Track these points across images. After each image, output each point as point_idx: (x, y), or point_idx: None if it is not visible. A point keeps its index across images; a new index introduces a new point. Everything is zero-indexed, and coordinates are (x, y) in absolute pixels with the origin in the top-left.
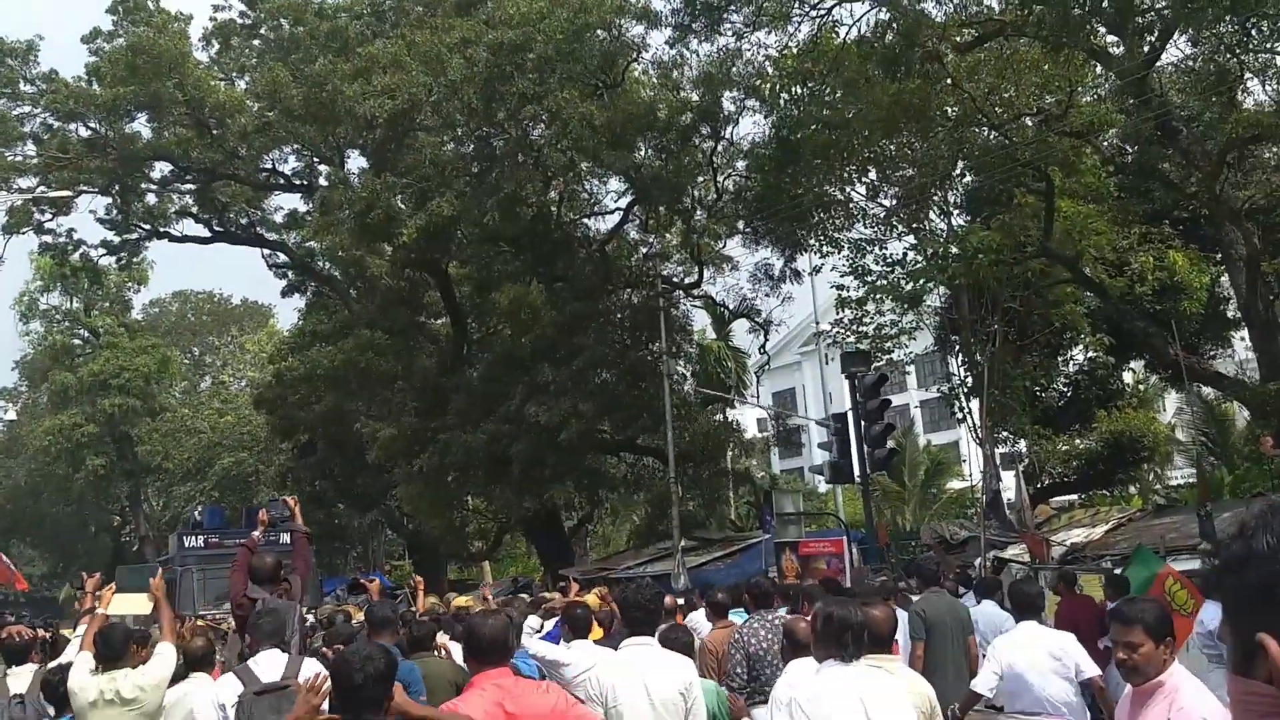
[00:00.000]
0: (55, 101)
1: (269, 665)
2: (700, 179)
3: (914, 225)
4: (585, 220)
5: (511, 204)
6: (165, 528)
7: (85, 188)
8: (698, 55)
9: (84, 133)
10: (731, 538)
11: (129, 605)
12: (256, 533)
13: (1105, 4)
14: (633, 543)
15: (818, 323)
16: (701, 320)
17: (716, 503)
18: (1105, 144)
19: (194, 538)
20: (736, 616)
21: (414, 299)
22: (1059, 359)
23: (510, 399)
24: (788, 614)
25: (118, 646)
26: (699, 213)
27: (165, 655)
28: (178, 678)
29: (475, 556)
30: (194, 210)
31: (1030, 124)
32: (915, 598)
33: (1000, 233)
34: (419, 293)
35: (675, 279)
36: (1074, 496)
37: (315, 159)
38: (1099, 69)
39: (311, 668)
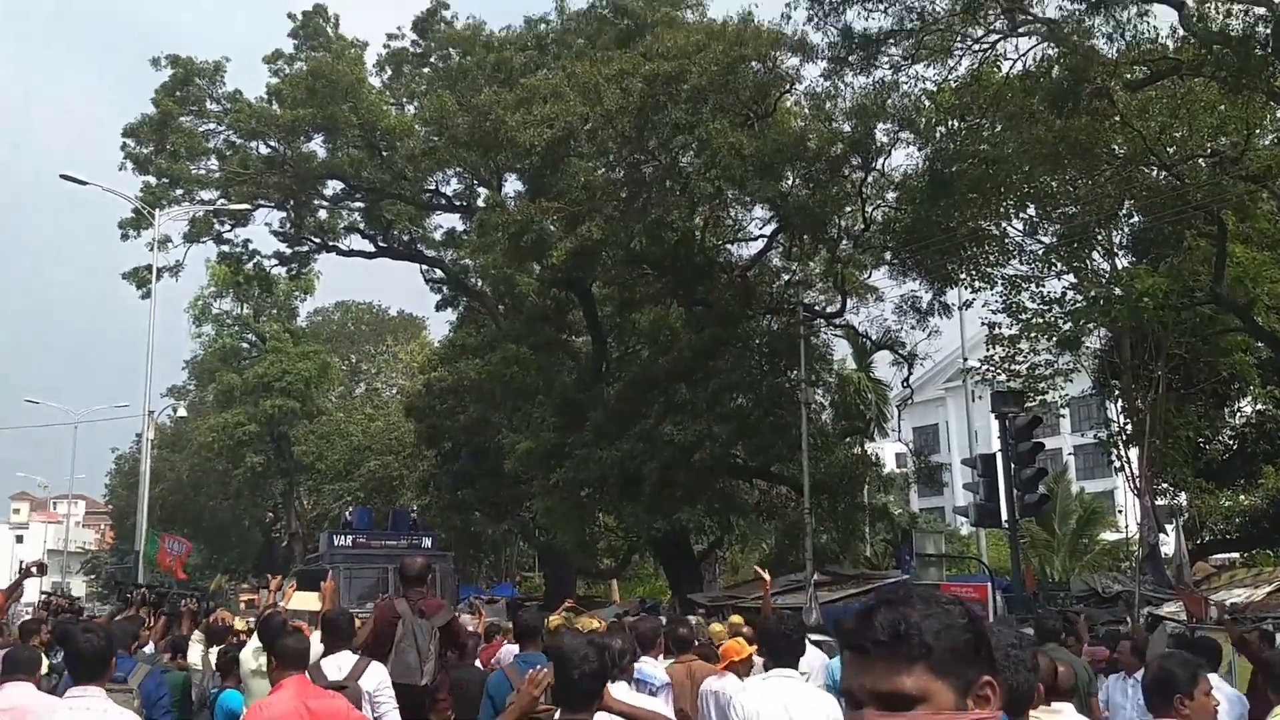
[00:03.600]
0: (238, 120)
1: (337, 665)
2: (848, 209)
3: (1074, 264)
4: (729, 246)
5: (657, 228)
6: (313, 525)
7: (263, 202)
8: (852, 87)
9: (264, 150)
10: (867, 575)
11: (305, 602)
12: None
13: None
14: (755, 568)
15: (965, 359)
16: (842, 350)
17: (852, 538)
18: None
19: (343, 537)
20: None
21: (558, 316)
22: (1225, 410)
23: (646, 418)
24: None
25: (274, 631)
26: (845, 242)
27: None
28: None
29: (604, 574)
30: (361, 226)
31: (1203, 165)
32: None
33: (1168, 276)
34: (563, 311)
35: (817, 307)
36: (1235, 555)
37: (475, 182)
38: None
39: (376, 672)
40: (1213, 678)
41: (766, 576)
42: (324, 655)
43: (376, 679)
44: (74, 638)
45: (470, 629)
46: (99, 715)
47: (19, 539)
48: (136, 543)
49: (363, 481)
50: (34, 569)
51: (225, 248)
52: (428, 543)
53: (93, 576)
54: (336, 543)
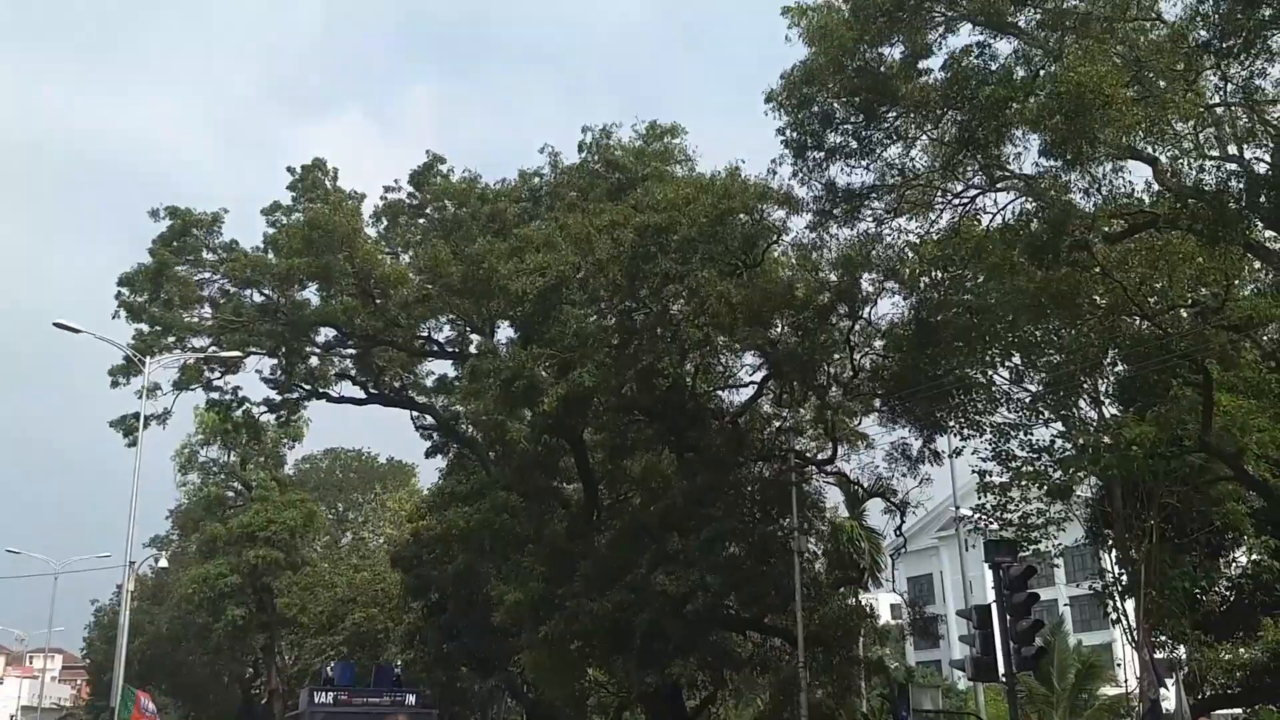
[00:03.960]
0: (234, 269)
1: None
2: (836, 356)
3: (1062, 412)
4: (719, 393)
5: (648, 375)
6: (295, 680)
7: (254, 349)
8: (837, 239)
9: (258, 298)
10: None
11: None
12: None
13: (1262, 199)
14: None
15: (957, 507)
16: (834, 497)
17: (847, 693)
18: (1265, 338)
19: (324, 694)
20: None
21: (549, 463)
22: (1221, 560)
23: (637, 567)
24: None
25: None
26: (834, 389)
27: None
28: None
29: None
30: (352, 373)
31: (1185, 315)
32: None
33: (1156, 425)
34: (554, 457)
35: (808, 454)
36: (1238, 710)
37: (468, 329)
38: (1257, 264)
39: None
40: None
41: None
42: None
43: None
44: None
45: None
46: None
47: None
48: (112, 699)
49: (346, 635)
50: None
51: (214, 395)
52: (412, 700)
53: None
54: (317, 700)
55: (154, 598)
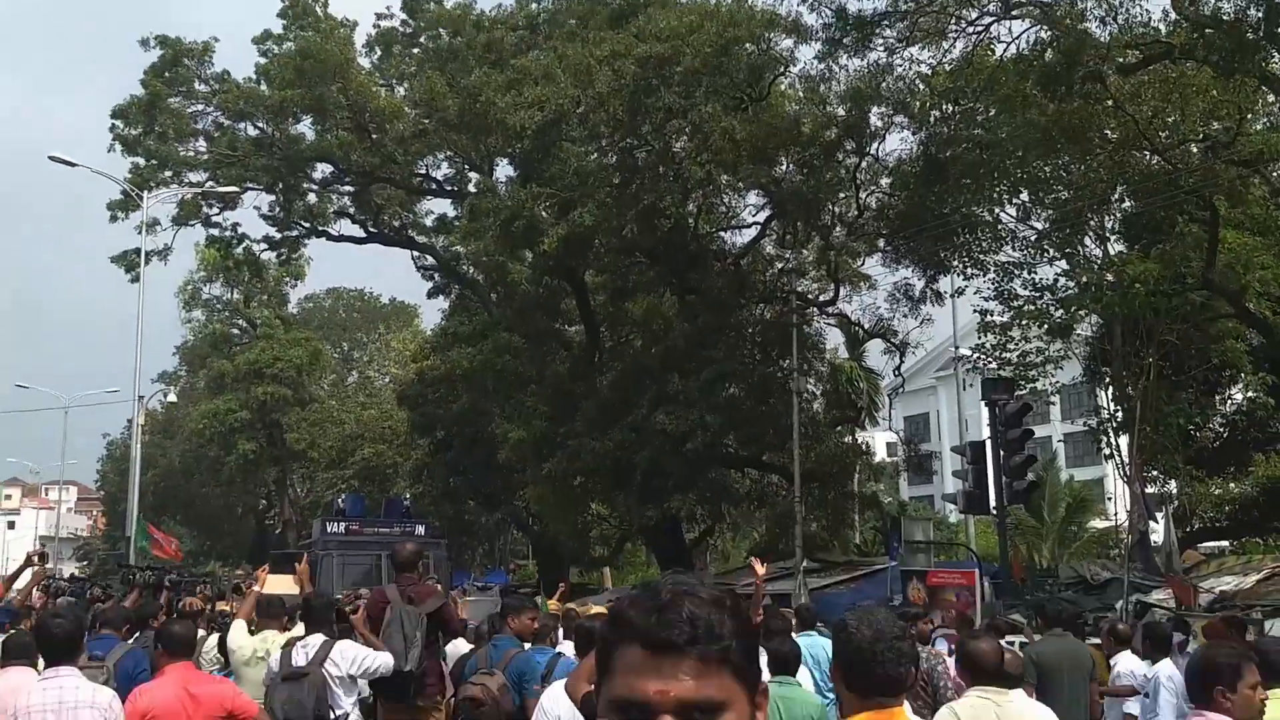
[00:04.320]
0: (226, 101)
1: (304, 649)
2: (842, 195)
3: (1067, 250)
4: (722, 234)
5: (650, 215)
6: (307, 512)
7: (251, 185)
8: (847, 70)
9: (252, 132)
10: (856, 562)
11: (279, 586)
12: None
13: None
14: (750, 559)
15: (957, 347)
16: (835, 339)
17: (841, 525)
18: (1275, 174)
19: (336, 524)
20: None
21: (551, 305)
22: (1216, 397)
23: (638, 408)
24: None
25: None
26: (838, 229)
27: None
28: None
29: (597, 561)
30: (351, 211)
31: (1196, 150)
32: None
33: (1159, 263)
34: (556, 299)
35: (810, 295)
36: (1225, 543)
37: (466, 166)
38: (1270, 96)
39: (345, 651)
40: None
41: (760, 569)
42: (300, 638)
43: (348, 658)
44: (45, 624)
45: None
46: (70, 690)
47: (11, 525)
48: (128, 529)
49: (356, 469)
50: (36, 558)
51: (214, 231)
52: (420, 530)
53: (85, 563)
54: (329, 529)
55: (165, 432)
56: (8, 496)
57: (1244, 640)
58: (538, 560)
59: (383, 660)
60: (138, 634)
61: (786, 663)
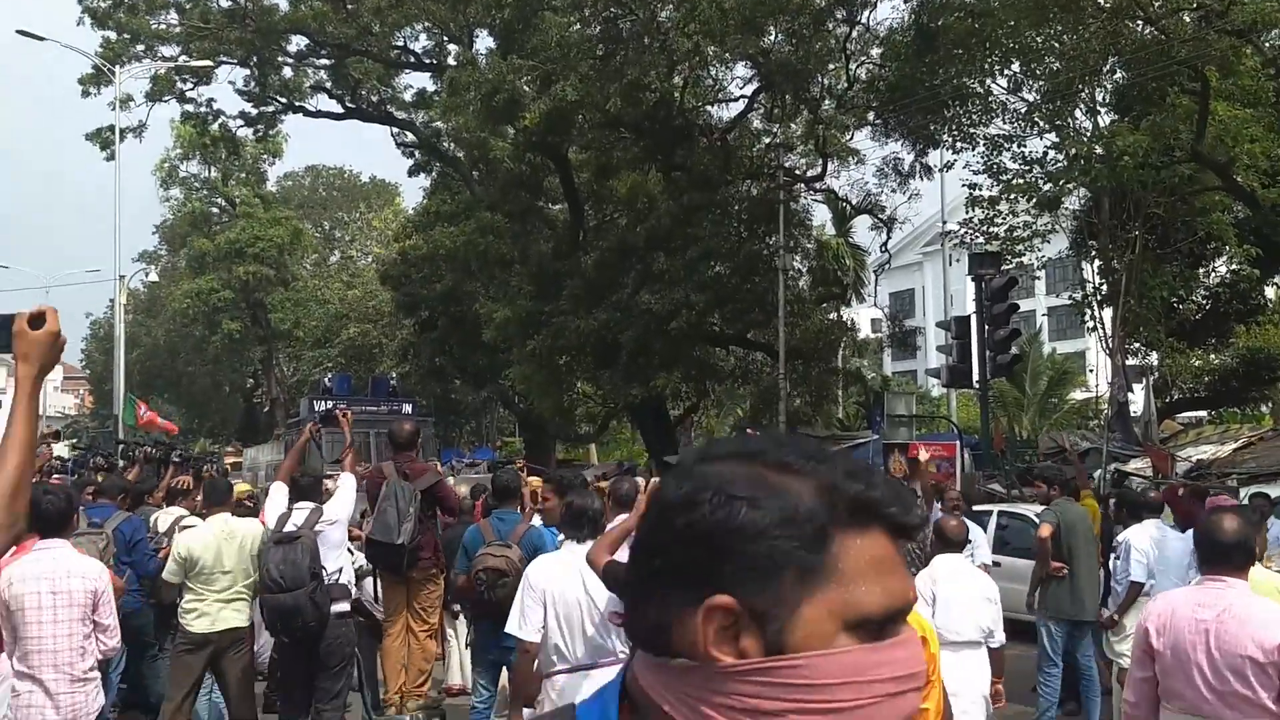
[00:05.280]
0: None
1: (299, 516)
2: (831, 66)
3: (1057, 123)
4: (708, 108)
5: (635, 89)
6: (294, 391)
7: (224, 58)
8: None
9: (224, 3)
10: (838, 436)
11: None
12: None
13: None
14: (734, 434)
15: (944, 222)
16: (822, 215)
17: (825, 401)
18: (1268, 45)
19: (323, 402)
20: None
21: (534, 183)
22: (1200, 270)
23: (623, 286)
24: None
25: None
26: (827, 102)
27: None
28: None
29: (583, 438)
30: (328, 86)
31: (1188, 20)
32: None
33: (1149, 135)
34: (539, 177)
35: (797, 171)
36: (1203, 413)
37: (445, 38)
38: None
39: (327, 513)
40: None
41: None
42: (290, 511)
43: (328, 518)
44: (37, 500)
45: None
46: (60, 560)
47: None
48: (115, 407)
49: (341, 348)
50: (50, 439)
51: (189, 107)
52: (408, 408)
53: (74, 440)
54: (316, 408)
55: (148, 311)
56: None
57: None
58: (524, 437)
59: (342, 505)
60: (136, 508)
61: None
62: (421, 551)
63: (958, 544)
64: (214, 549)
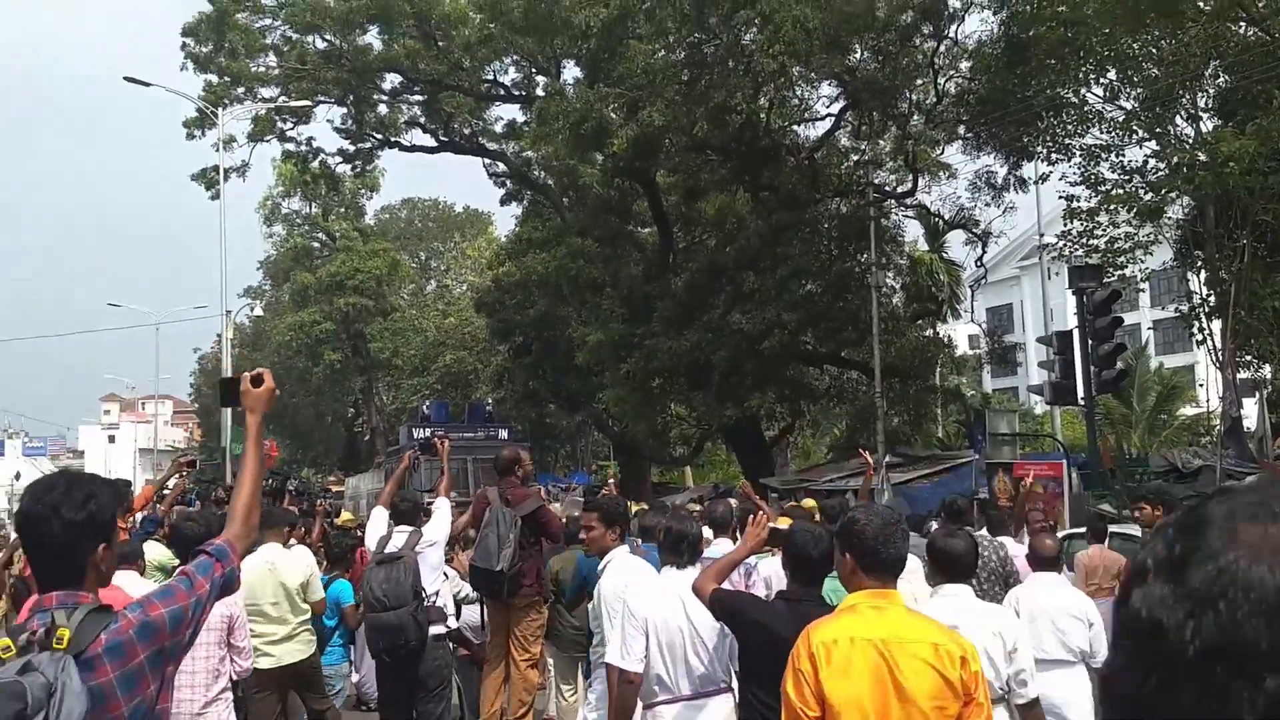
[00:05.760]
0: (293, 15)
1: (399, 539)
2: (919, 81)
3: (1157, 130)
4: (795, 128)
5: (720, 112)
6: (393, 419)
7: (322, 98)
8: None
9: (320, 44)
10: (938, 456)
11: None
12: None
13: None
14: (831, 455)
15: (1041, 234)
16: (914, 231)
17: (923, 420)
18: None
19: (421, 430)
20: None
21: (623, 207)
22: None
23: (714, 307)
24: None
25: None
26: (916, 117)
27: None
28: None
29: (678, 461)
30: (421, 120)
31: None
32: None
33: (1255, 139)
34: (628, 201)
35: (887, 187)
36: None
37: (533, 70)
38: None
39: (425, 536)
40: None
41: (870, 459)
42: (390, 534)
43: (427, 539)
44: (179, 527)
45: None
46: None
47: (111, 439)
48: (223, 439)
49: (438, 376)
50: (186, 467)
51: (289, 146)
52: (504, 434)
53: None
54: (415, 435)
55: (253, 345)
56: (106, 411)
57: None
58: (619, 460)
59: (439, 527)
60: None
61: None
62: (524, 579)
63: (1051, 561)
64: (261, 579)
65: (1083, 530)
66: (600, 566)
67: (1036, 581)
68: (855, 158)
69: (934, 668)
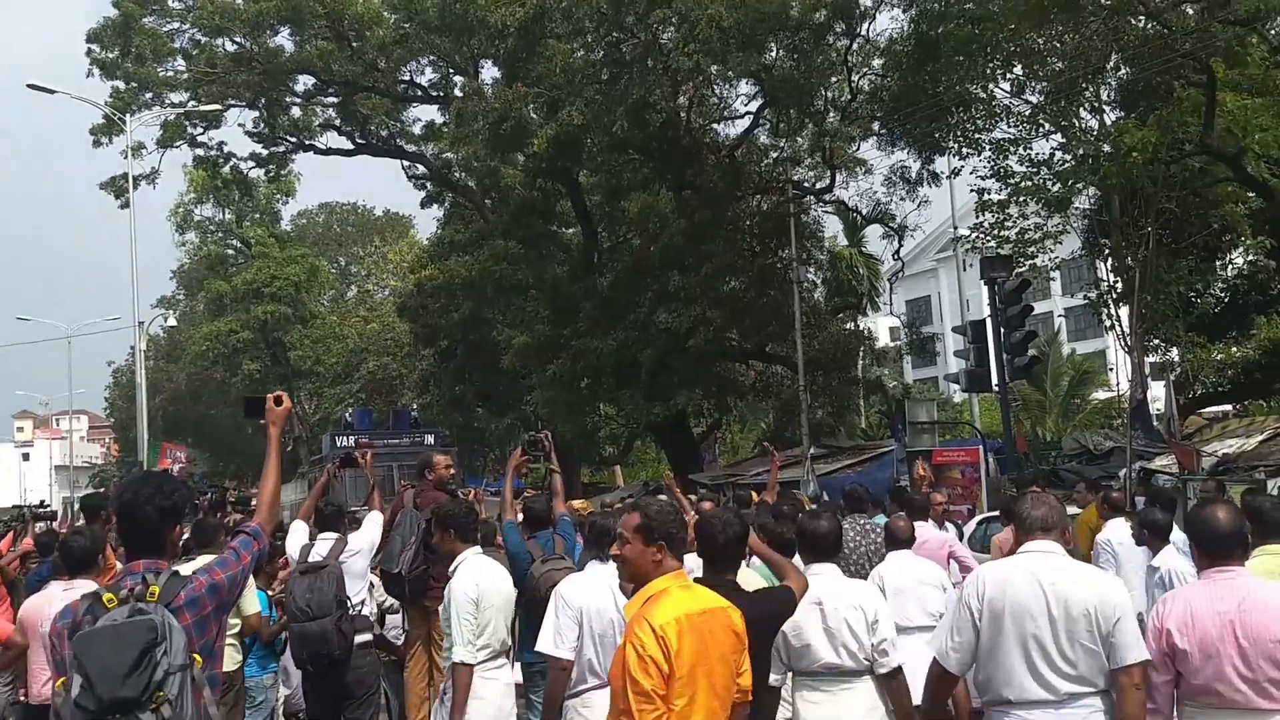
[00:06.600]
0: (202, 17)
1: (323, 547)
2: (834, 79)
3: (1062, 123)
4: (714, 126)
5: (640, 111)
6: (317, 428)
7: (233, 101)
8: None
9: (230, 47)
10: (862, 446)
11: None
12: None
13: None
14: (759, 450)
15: (955, 228)
16: (833, 226)
17: (846, 411)
18: (1273, 32)
19: (345, 438)
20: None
21: (546, 208)
22: (1217, 263)
23: (639, 306)
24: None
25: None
26: (832, 114)
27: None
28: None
29: (607, 461)
30: (337, 123)
31: (1191, 11)
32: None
33: (1157, 129)
34: (551, 202)
35: (806, 184)
36: (1227, 407)
37: (451, 70)
38: None
39: (351, 543)
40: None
41: (779, 457)
42: (313, 542)
43: (351, 548)
44: (66, 542)
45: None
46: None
47: (25, 457)
48: (140, 454)
49: (362, 383)
50: (36, 520)
51: (200, 152)
52: (430, 439)
53: (102, 489)
54: (339, 443)
55: (169, 356)
56: (20, 429)
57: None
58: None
59: (365, 537)
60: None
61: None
62: (434, 580)
63: (905, 541)
64: None
65: (998, 514)
66: (450, 569)
67: (894, 559)
68: (774, 155)
69: (730, 629)
